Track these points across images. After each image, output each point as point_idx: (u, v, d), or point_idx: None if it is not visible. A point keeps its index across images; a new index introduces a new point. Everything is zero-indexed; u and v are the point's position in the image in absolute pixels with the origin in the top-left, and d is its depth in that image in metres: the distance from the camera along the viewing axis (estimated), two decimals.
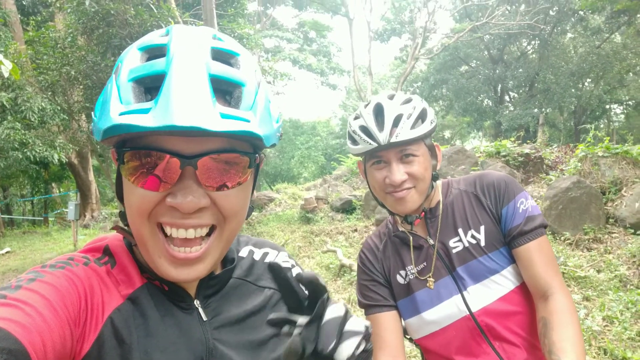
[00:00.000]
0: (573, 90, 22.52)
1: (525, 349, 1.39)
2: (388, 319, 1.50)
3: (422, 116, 1.43)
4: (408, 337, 1.58)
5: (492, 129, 27.09)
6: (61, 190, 25.96)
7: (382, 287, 1.54)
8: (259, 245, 1.07)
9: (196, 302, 0.85)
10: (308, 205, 9.84)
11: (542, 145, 9.99)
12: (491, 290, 1.40)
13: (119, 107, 0.67)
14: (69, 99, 12.42)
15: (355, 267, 6.68)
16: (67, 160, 15.14)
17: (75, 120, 12.99)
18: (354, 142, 1.46)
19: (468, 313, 1.40)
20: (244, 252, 1.02)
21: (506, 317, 1.39)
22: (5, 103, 11.42)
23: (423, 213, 1.49)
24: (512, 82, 24.97)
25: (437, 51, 25.03)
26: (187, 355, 0.79)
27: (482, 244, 1.43)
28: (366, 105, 1.47)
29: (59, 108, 13.00)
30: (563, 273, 4.93)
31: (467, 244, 1.44)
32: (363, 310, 1.57)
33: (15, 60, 10.73)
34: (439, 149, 1.53)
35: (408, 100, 1.45)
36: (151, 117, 0.64)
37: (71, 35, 11.18)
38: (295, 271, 1.07)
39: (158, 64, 0.69)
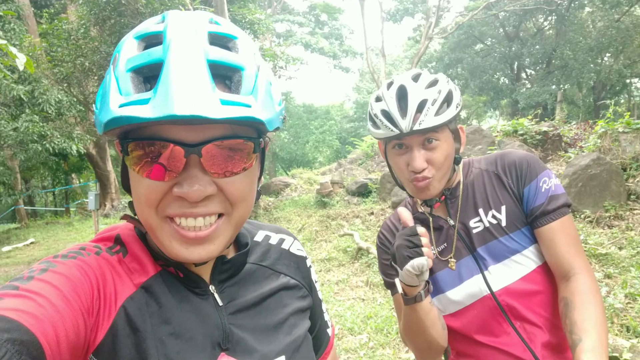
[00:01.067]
0: (592, 65, 22.00)
1: (546, 329, 1.37)
2: None
3: (447, 100, 1.37)
4: None
5: (509, 107, 26.70)
6: (81, 180, 26.39)
7: None
8: (275, 230, 1.07)
9: (211, 288, 0.85)
10: (324, 189, 9.84)
11: (561, 123, 9.80)
12: (512, 270, 1.38)
13: (119, 98, 0.66)
14: (84, 90, 12.55)
15: (372, 250, 6.69)
16: (85, 151, 15.36)
17: (91, 111, 13.12)
18: (375, 125, 1.42)
19: (489, 292, 1.39)
20: (259, 237, 1.02)
21: (528, 297, 1.38)
22: (22, 96, 11.58)
23: (443, 197, 1.47)
24: (529, 59, 24.51)
25: (451, 30, 24.60)
26: (204, 340, 0.79)
27: (503, 224, 1.41)
28: (389, 86, 1.41)
29: (75, 99, 13.15)
30: (582, 244, 4.87)
31: (487, 224, 1.42)
32: (389, 291, 1.56)
33: (30, 54, 10.85)
34: (463, 132, 1.48)
35: (433, 83, 1.38)
36: (151, 108, 0.63)
37: (84, 26, 11.25)
38: (308, 262, 1.08)
39: (155, 53, 0.68)
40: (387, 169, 9.43)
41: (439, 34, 24.65)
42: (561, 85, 22.72)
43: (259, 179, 0.86)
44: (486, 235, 1.42)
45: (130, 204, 0.82)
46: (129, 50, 0.71)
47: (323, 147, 31.81)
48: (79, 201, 22.99)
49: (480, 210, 1.44)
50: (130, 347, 0.73)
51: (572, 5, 22.50)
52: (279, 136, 32.02)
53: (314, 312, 1.05)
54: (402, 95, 1.36)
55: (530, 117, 9.49)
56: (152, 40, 0.72)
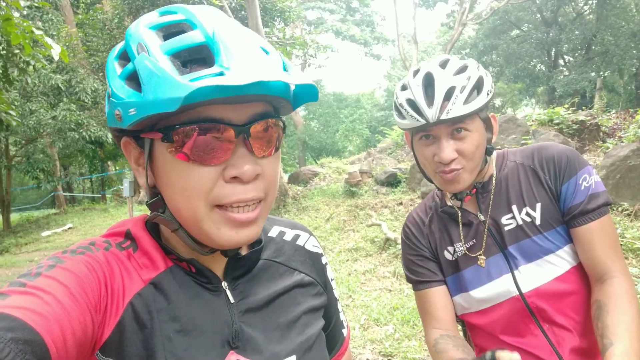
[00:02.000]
0: (634, 51, 21.05)
1: (577, 332, 1.31)
2: (439, 294, 1.44)
3: (477, 86, 1.29)
4: None
5: (546, 95, 25.95)
6: (117, 168, 27.05)
7: (430, 262, 1.48)
8: (290, 226, 1.05)
9: (224, 284, 0.84)
10: (352, 179, 9.80)
11: (599, 112, 9.45)
12: (544, 271, 1.32)
13: (179, 77, 0.64)
14: None
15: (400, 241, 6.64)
16: None
17: None
18: (401, 115, 1.35)
19: (518, 294, 1.33)
20: (273, 232, 1.00)
21: (558, 299, 1.32)
22: (60, 85, 11.91)
23: (474, 189, 1.40)
24: (567, 46, 23.64)
25: (486, 16, 23.98)
26: (213, 338, 0.79)
27: (538, 222, 1.33)
28: (415, 74, 1.34)
29: None
30: (620, 245, 4.71)
31: (520, 222, 1.35)
32: (411, 285, 1.52)
33: (67, 44, 11.14)
34: (495, 120, 1.39)
35: (462, 69, 1.30)
36: (235, 76, 0.62)
37: (118, 16, 11.48)
38: (324, 260, 1.05)
39: (194, 37, 0.68)
40: None
41: (473, 20, 24.06)
42: (601, 72, 21.91)
43: None
44: (518, 234, 1.35)
45: (151, 205, 0.80)
46: (153, 39, 0.70)
47: (353, 136, 31.61)
48: (115, 188, 23.60)
49: (514, 207, 1.37)
50: (138, 344, 0.73)
51: None
52: (309, 125, 32.03)
53: (329, 310, 1.03)
54: (428, 83, 1.29)
55: (566, 105, 9.18)
56: (170, 30, 0.72)
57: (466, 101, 1.25)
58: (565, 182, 1.32)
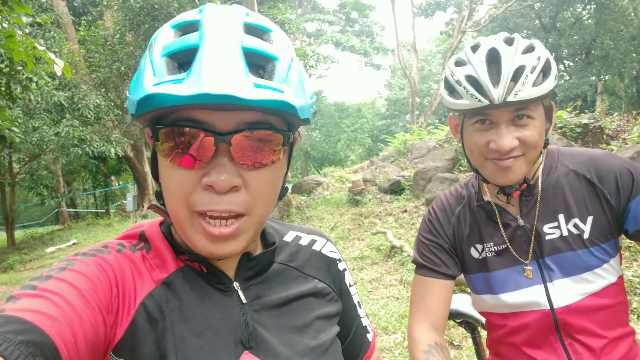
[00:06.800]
0: (634, 54, 21.12)
1: (601, 352, 1.24)
2: (440, 288, 1.35)
3: (545, 69, 1.16)
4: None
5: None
6: (120, 182, 27.17)
7: (444, 253, 1.38)
8: (307, 231, 1.05)
9: (235, 285, 0.84)
10: (355, 187, 9.78)
11: (602, 115, 9.43)
12: (580, 287, 1.23)
13: (153, 79, 0.67)
14: (121, 94, 12.93)
15: (406, 248, 6.60)
16: (123, 153, 15.78)
17: (128, 115, 13.51)
18: (456, 94, 1.20)
19: (548, 308, 1.25)
20: (289, 237, 1.00)
21: (589, 314, 1.24)
22: (63, 102, 11.99)
23: (525, 184, 1.27)
24: (567, 51, 23.73)
25: (485, 23, 24.10)
26: (227, 338, 0.78)
27: (586, 236, 1.23)
28: (475, 49, 1.20)
29: (113, 104, 13.54)
30: (628, 247, 4.67)
31: (566, 233, 1.25)
32: (415, 265, 1.43)
33: (69, 60, 11.22)
34: (554, 110, 1.27)
35: (531, 48, 1.16)
36: (184, 86, 0.64)
37: (119, 32, 11.58)
38: (341, 266, 1.04)
39: (191, 38, 0.69)
40: (420, 166, 9.29)
41: (472, 28, 24.18)
42: (602, 76, 21.96)
43: (285, 175, 0.85)
44: (561, 245, 1.25)
45: (158, 194, 0.81)
46: (165, 38, 0.73)
47: (355, 145, 31.68)
48: (118, 203, 23.66)
49: (561, 216, 1.27)
50: (150, 344, 0.73)
51: None
52: (310, 135, 32.10)
53: (347, 316, 1.02)
54: (493, 60, 1.16)
55: (569, 109, 9.17)
56: (188, 29, 0.73)
57: (535, 84, 1.13)
58: (634, 197, 1.21)
